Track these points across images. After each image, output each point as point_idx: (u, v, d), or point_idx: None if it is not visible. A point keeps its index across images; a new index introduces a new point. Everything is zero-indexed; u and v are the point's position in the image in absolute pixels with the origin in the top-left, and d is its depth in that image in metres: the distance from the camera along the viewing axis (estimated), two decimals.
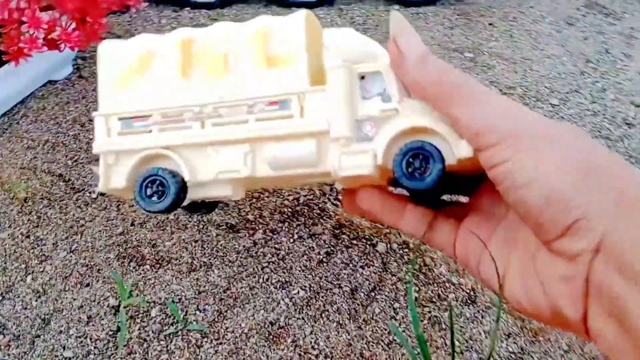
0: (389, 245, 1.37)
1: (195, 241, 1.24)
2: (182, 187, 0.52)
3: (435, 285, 1.09)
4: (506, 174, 0.39)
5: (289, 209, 1.48)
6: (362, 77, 0.49)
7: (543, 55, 2.04)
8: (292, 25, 0.52)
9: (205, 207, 0.60)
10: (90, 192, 1.36)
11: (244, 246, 1.25)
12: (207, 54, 0.53)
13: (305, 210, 1.45)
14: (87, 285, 1.10)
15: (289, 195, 1.50)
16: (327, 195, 1.52)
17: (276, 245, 1.27)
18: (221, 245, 1.24)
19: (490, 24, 2.16)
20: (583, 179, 0.36)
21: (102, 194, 1.52)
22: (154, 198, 0.52)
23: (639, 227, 0.34)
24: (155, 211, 0.52)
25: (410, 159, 0.46)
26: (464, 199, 0.53)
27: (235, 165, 0.51)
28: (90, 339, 0.99)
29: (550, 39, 2.13)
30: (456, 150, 0.45)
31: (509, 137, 0.39)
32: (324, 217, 1.43)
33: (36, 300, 1.06)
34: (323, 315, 1.04)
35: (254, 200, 1.48)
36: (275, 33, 0.52)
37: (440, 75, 0.43)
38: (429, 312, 1.02)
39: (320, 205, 1.51)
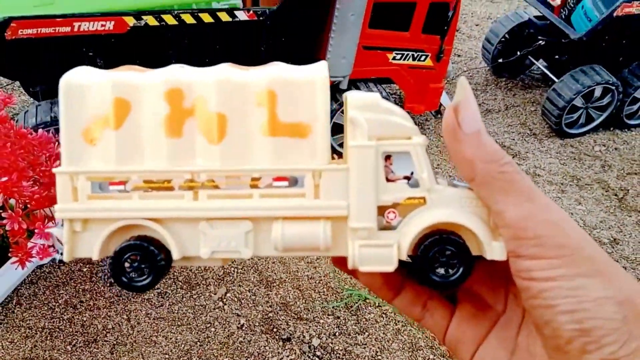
0: None
1: None
2: (168, 264, 0.45)
3: None
4: (546, 294, 0.37)
5: None
6: (388, 157, 0.44)
7: None
8: (311, 87, 0.44)
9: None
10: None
11: None
12: (201, 111, 0.45)
13: None
14: None
15: None
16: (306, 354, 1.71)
17: None
18: None
19: None
20: (622, 319, 0.35)
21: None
22: (133, 275, 0.45)
23: None
24: (134, 291, 0.46)
25: (437, 254, 0.42)
26: None
27: (234, 245, 0.45)
28: None
29: None
30: (488, 251, 0.41)
31: (557, 256, 0.37)
32: None
33: None
34: None
35: None
36: (288, 93, 0.44)
37: (493, 157, 0.39)
38: None
39: None
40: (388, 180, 0.44)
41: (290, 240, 0.44)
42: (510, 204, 0.39)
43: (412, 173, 0.44)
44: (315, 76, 0.44)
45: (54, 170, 0.46)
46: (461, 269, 0.43)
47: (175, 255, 0.45)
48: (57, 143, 1.69)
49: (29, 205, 1.55)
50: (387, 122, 0.44)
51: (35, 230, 1.47)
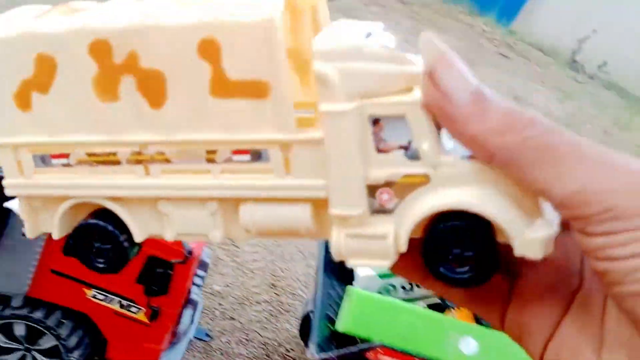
0: None
1: None
2: (131, 246, 0.41)
3: None
4: (635, 275, 0.28)
5: None
6: (376, 121, 0.33)
7: None
8: (262, 32, 0.33)
9: None
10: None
11: None
12: (135, 68, 0.36)
13: None
14: None
15: None
16: None
17: None
18: None
19: None
20: None
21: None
22: (96, 257, 0.41)
23: None
24: (98, 272, 0.42)
25: (451, 244, 0.33)
26: None
27: (201, 227, 0.39)
28: None
29: None
30: (518, 245, 0.31)
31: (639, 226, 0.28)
32: None
33: None
34: None
35: None
36: (233, 41, 0.34)
37: (508, 121, 0.29)
38: None
39: None
40: (379, 151, 0.33)
41: (264, 224, 0.37)
42: (556, 177, 0.28)
43: (410, 142, 0.33)
44: (265, 16, 0.33)
45: None
46: (479, 265, 0.32)
47: (138, 237, 0.41)
48: None
49: None
50: (372, 72, 0.32)
51: None
